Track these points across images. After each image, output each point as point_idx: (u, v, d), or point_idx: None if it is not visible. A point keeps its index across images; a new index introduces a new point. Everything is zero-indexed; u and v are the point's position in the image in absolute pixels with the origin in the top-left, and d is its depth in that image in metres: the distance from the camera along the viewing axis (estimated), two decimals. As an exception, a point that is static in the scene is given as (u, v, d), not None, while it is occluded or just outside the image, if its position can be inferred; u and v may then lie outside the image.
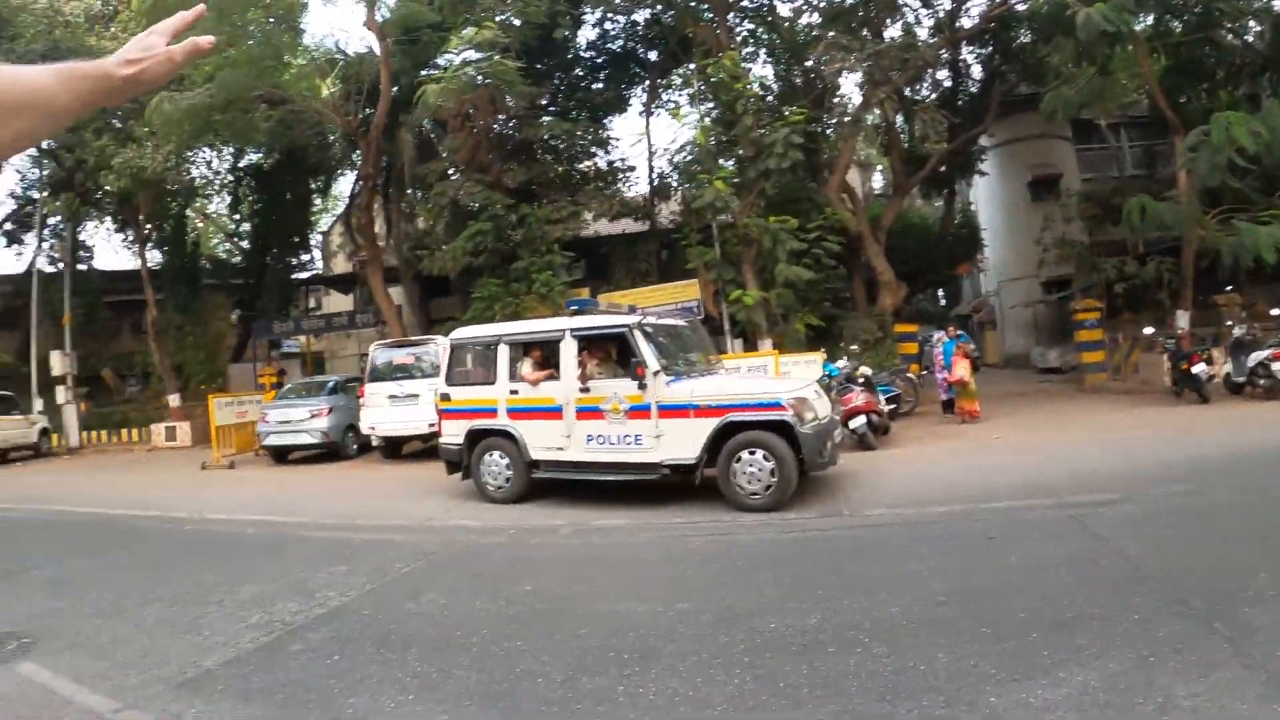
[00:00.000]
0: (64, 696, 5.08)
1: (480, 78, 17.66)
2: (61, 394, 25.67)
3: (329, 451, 17.50)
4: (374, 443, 16.94)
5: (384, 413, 16.12)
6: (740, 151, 18.40)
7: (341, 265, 33.05)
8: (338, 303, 33.86)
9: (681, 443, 9.27)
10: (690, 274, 19.53)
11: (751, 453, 8.88)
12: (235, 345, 30.59)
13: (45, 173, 26.91)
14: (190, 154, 24.44)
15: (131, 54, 1.14)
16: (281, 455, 17.86)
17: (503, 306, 18.39)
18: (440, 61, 19.33)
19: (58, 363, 25.44)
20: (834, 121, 21.66)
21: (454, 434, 11.12)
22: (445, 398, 11.31)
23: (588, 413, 9.92)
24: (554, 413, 10.18)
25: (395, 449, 16.75)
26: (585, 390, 9.88)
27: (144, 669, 5.40)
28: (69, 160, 23.92)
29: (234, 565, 8.19)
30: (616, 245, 25.01)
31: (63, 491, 15.43)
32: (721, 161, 19.34)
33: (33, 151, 27.88)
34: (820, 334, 18.88)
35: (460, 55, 18.95)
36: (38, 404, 25.82)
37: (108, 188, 23.04)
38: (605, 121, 23.80)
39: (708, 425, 9.11)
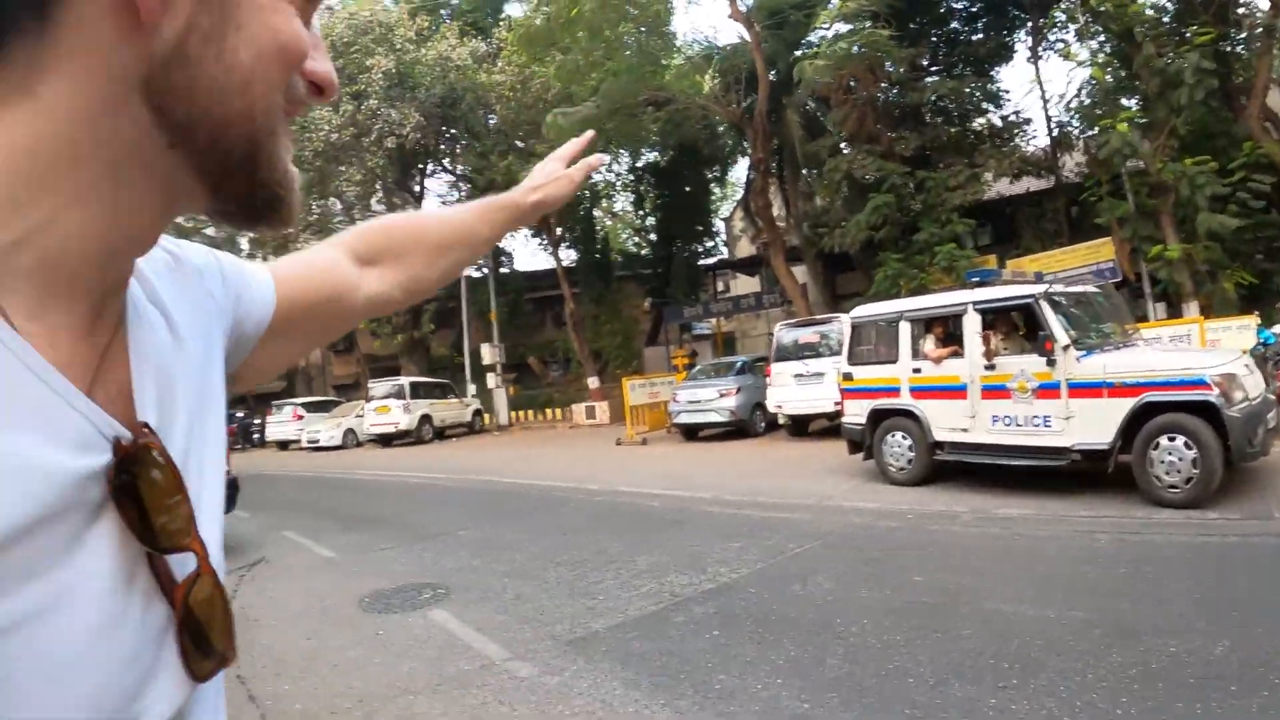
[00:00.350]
0: (464, 642, 5.53)
1: (855, 48, 17.04)
2: (491, 380, 29.52)
3: (737, 429, 17.85)
4: (780, 421, 17.04)
5: (789, 391, 16.07)
6: (1141, 86, 15.78)
7: (745, 249, 33.97)
8: (745, 285, 34.75)
9: (1093, 425, 7.98)
10: (1103, 232, 17.10)
11: (1170, 439, 7.39)
12: (649, 330, 32.79)
13: (461, 194, 30.96)
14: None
15: (536, 180, 1.24)
16: (691, 433, 18.55)
17: (907, 281, 17.51)
18: (812, 39, 18.93)
19: (487, 353, 29.31)
20: (1243, 36, 17.66)
21: (856, 413, 10.71)
22: (848, 377, 10.96)
23: (993, 391, 8.92)
24: (958, 392, 9.30)
25: (801, 427, 16.59)
26: (990, 368, 8.88)
27: (538, 625, 5.69)
28: (481, 181, 27.19)
29: (635, 536, 8.47)
30: (1021, 206, 22.47)
31: (490, 464, 17.38)
32: (1124, 101, 16.86)
33: (448, 177, 32.23)
34: (1254, 293, 15.63)
35: (831, 29, 18.42)
36: (471, 389, 29.96)
37: None
38: (992, 74, 21.57)
39: (1122, 406, 7.73)
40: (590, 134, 1.38)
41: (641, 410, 20.06)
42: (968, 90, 19.54)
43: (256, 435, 31.29)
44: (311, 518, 12.00)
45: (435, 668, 5.15)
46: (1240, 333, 12.35)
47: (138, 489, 0.54)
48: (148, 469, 0.55)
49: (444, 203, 33.50)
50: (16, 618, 0.46)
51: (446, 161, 30.81)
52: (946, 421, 9.47)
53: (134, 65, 0.51)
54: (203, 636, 0.60)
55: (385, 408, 25.41)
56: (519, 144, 24.91)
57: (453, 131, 28.03)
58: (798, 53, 18.69)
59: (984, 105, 21.30)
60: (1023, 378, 8.54)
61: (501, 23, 25.44)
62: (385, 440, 25.61)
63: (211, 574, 0.61)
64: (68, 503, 0.49)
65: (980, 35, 21.32)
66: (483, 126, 26.72)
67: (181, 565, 0.58)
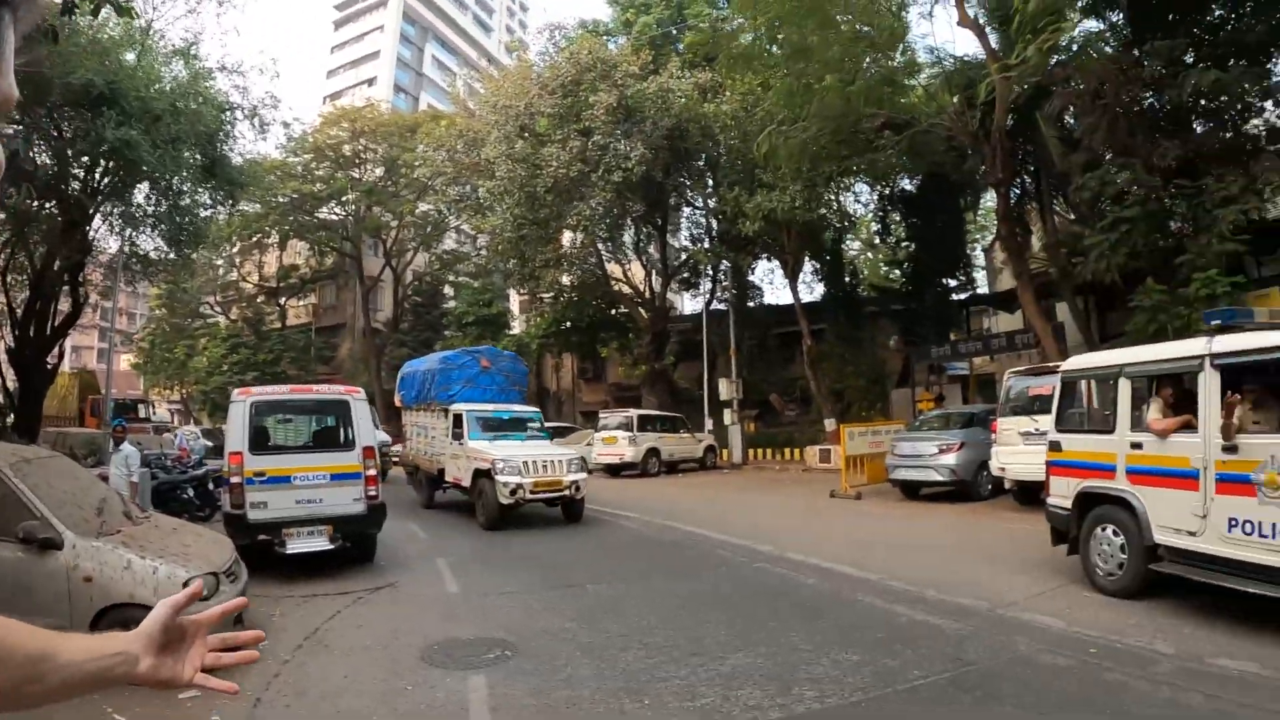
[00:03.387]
0: (468, 716, 5.06)
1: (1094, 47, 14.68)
2: (728, 415, 28.79)
3: (961, 490, 15.68)
4: (1005, 485, 14.62)
5: (1013, 452, 13.78)
6: None
7: (1008, 282, 31.03)
8: (1006, 322, 31.60)
9: None
10: None
11: None
12: (900, 371, 30.66)
13: (704, 228, 30.82)
14: (823, 189, 25.04)
15: (155, 634, 1.15)
16: (913, 490, 16.65)
17: (1170, 319, 14.32)
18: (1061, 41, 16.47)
19: (725, 388, 28.74)
20: None
21: (1062, 494, 8.47)
22: (1055, 446, 8.75)
23: (1233, 483, 6.39)
24: (1187, 480, 6.84)
25: (1030, 493, 14.10)
26: (1231, 448, 6.39)
27: (554, 717, 4.99)
28: (717, 212, 26.80)
29: (754, 622, 7.23)
30: None
31: (687, 507, 16.43)
32: None
33: (690, 210, 32.05)
34: None
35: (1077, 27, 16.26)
36: (708, 424, 29.36)
37: (748, 231, 24.76)
38: (1269, 65, 17.19)
39: None
40: (196, 587, 1.36)
41: (861, 460, 18.38)
42: (1237, 85, 15.55)
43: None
44: (472, 547, 11.99)
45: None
46: None
47: None
48: None
49: (691, 235, 33.43)
50: None
51: (688, 194, 30.66)
52: (1170, 519, 7.04)
53: None
54: None
55: (613, 439, 25.41)
56: (755, 171, 24.18)
57: (693, 163, 27.86)
58: (1054, 59, 16.17)
59: (1259, 104, 17.03)
60: (1275, 468, 6.24)
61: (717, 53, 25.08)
62: (613, 471, 25.56)
63: None
64: None
65: (1250, 18, 16.88)
66: (714, 156, 26.33)
67: None
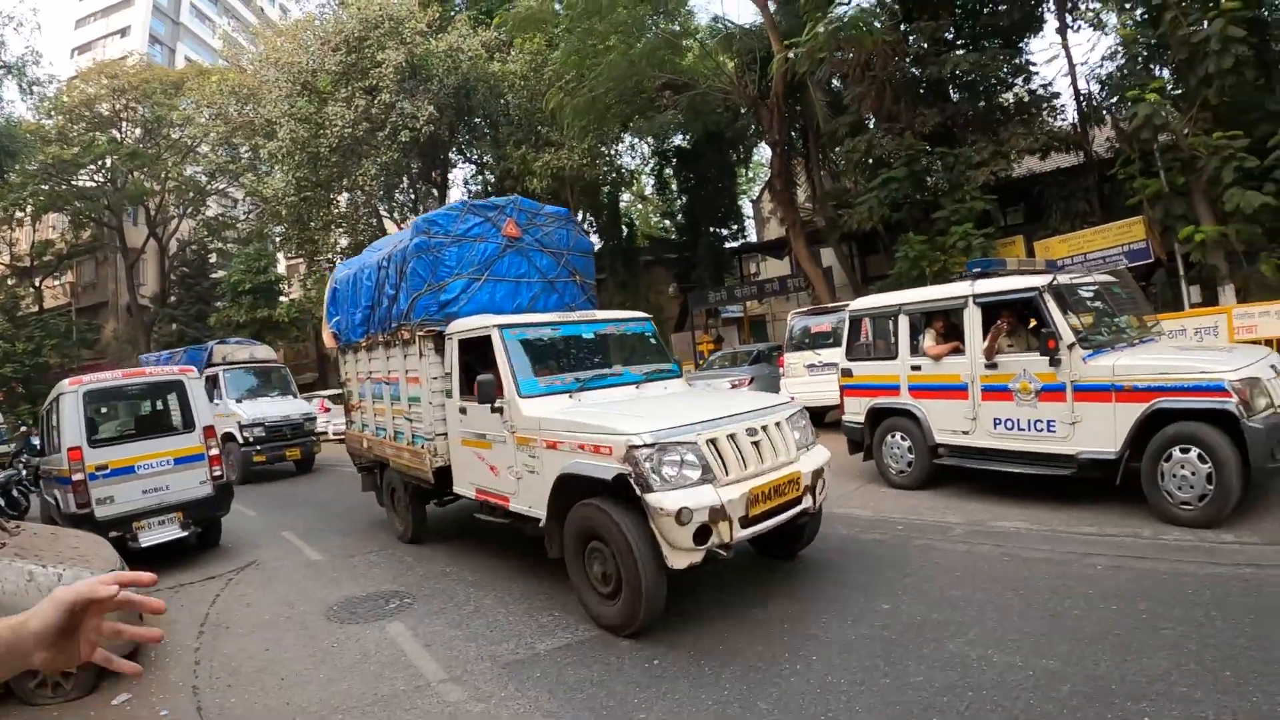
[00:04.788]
0: (408, 659, 5.53)
1: (867, 24, 16.55)
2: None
3: None
4: None
5: (802, 382, 15.49)
6: (1171, 55, 15.02)
7: (775, 231, 33.49)
8: (774, 268, 34.08)
9: (1100, 433, 7.31)
10: (1135, 211, 16.24)
11: (1184, 450, 6.67)
12: (677, 316, 32.43)
13: (482, 186, 31.08)
14: (606, 147, 26.22)
15: (50, 619, 1.08)
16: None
17: (930, 264, 16.73)
18: (833, 14, 18.28)
19: None
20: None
21: (856, 411, 10.18)
22: (847, 373, 10.39)
23: (994, 392, 8.28)
24: (958, 391, 8.67)
25: (815, 420, 15.93)
26: (992, 366, 8.27)
27: (484, 644, 5.65)
28: (498, 170, 27.20)
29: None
30: (1049, 184, 21.53)
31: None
32: (1154, 70, 16.06)
33: (470, 167, 32.31)
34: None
35: (851, 4, 17.98)
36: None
37: (535, 189, 25.50)
38: (1020, 45, 20.44)
39: (1131, 412, 7.03)
40: (150, 576, 1.31)
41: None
42: (993, 63, 18.36)
43: None
44: (313, 517, 12.10)
45: (372, 686, 5.14)
46: (1278, 319, 11.58)
47: None
48: None
49: (467, 192, 33.49)
50: None
51: (467, 151, 30.70)
52: (947, 423, 8.91)
53: None
54: None
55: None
56: (540, 129, 24.74)
57: (475, 121, 27.94)
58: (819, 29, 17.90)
59: (1010, 79, 20.11)
60: (1025, 378, 7.97)
61: (507, 10, 25.34)
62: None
63: None
64: None
65: (1005, 4, 19.98)
66: (501, 116, 26.59)
67: None
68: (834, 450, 11.16)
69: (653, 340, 8.17)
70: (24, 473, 14.76)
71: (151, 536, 9.36)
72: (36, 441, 15.05)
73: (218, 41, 48.64)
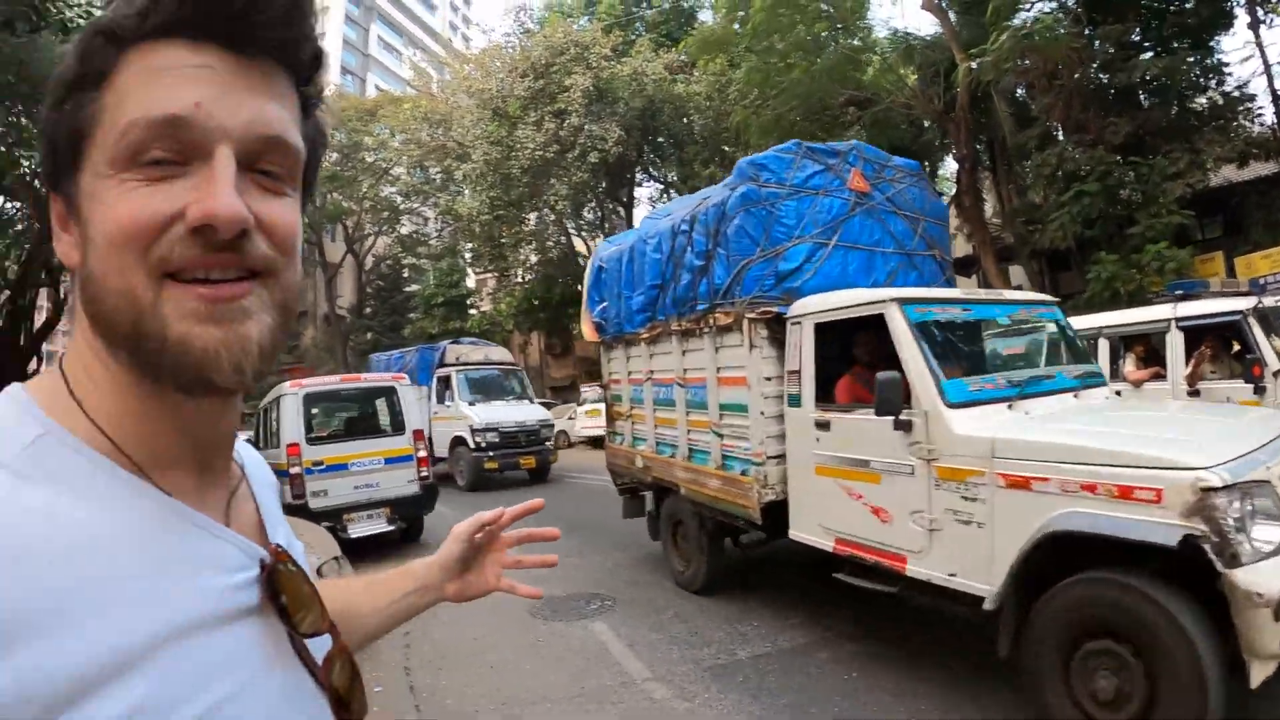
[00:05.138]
0: (613, 657, 5.74)
1: (1052, 30, 15.79)
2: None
3: None
4: None
5: None
6: None
7: (962, 247, 32.37)
8: (963, 285, 32.85)
9: None
10: None
11: None
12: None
13: (669, 200, 31.52)
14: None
15: (453, 553, 1.20)
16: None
17: (1125, 283, 15.68)
18: (1015, 22, 17.56)
19: None
20: None
21: None
22: None
23: None
24: None
25: None
26: (1194, 393, 7.62)
27: (686, 648, 5.76)
28: (685, 189, 27.48)
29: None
30: (1248, 195, 19.26)
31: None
32: None
33: (656, 187, 32.82)
34: None
35: (1032, 10, 17.23)
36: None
37: None
38: (1211, 45, 18.76)
39: None
40: (538, 501, 1.29)
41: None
42: (1183, 66, 17.00)
43: None
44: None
45: (578, 679, 5.37)
46: None
47: (280, 593, 0.71)
48: (285, 578, 0.72)
49: (653, 207, 34.27)
50: (226, 694, 0.61)
51: (653, 170, 31.35)
52: None
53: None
54: (344, 705, 0.77)
55: (596, 411, 26.14)
56: (725, 149, 25.03)
57: (661, 141, 28.53)
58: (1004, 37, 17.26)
59: (1202, 82, 18.51)
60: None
61: (688, 33, 25.80)
62: (597, 443, 26.30)
63: (345, 650, 0.80)
64: (236, 608, 0.66)
65: (1192, 2, 18.42)
66: (686, 136, 27.06)
67: (320, 645, 0.76)
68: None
69: (1068, 332, 5.96)
70: None
71: (360, 529, 10.10)
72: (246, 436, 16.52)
73: (407, 71, 52.03)
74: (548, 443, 17.56)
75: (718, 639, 5.91)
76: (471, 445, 16.30)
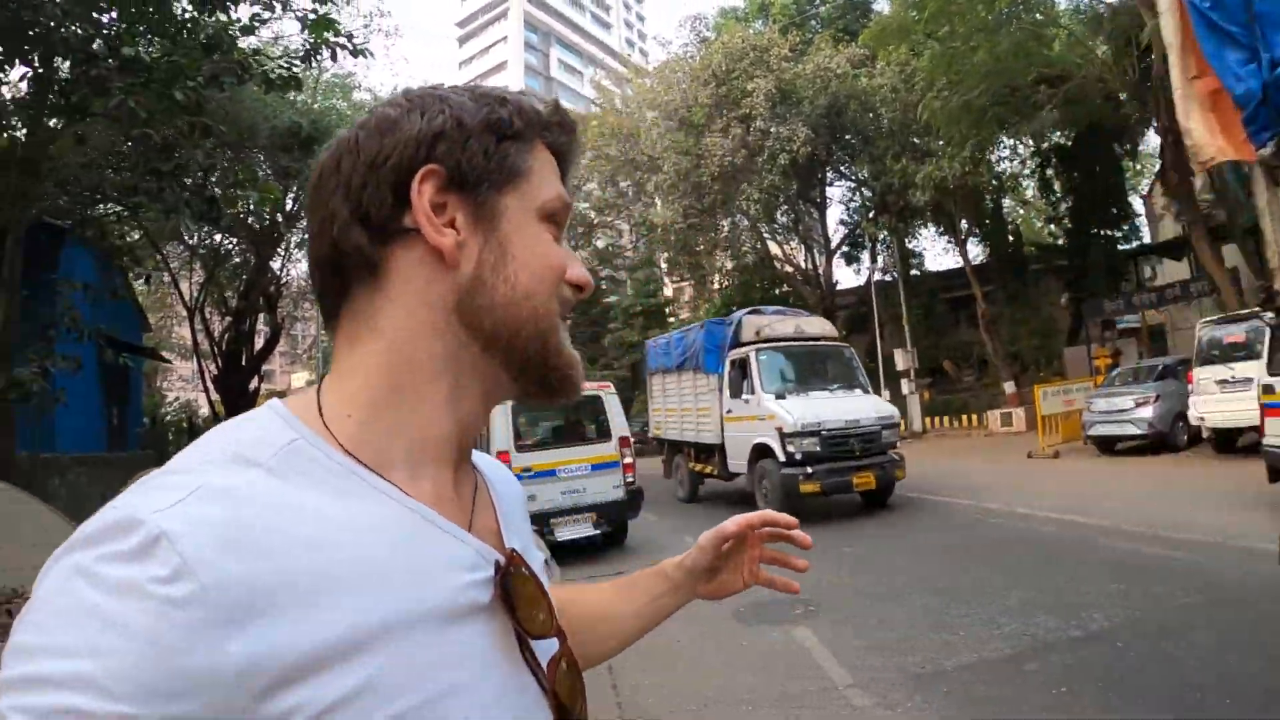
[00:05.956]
0: (815, 661, 5.73)
1: None
2: (905, 386, 28.50)
3: (1157, 443, 15.66)
4: (1203, 434, 14.54)
5: (1213, 401, 13.64)
6: None
7: (1169, 230, 29.72)
8: (1171, 270, 29.96)
9: None
10: None
11: None
12: (1069, 328, 29.97)
13: (861, 203, 30.75)
14: (985, 152, 24.69)
15: (706, 556, 1.16)
16: (1108, 445, 16.63)
17: None
18: None
19: (901, 359, 28.42)
20: None
21: (1277, 433, 8.77)
22: (1269, 390, 9.01)
23: None
24: None
25: (1228, 442, 14.08)
26: None
27: (890, 655, 5.69)
28: (877, 185, 26.81)
29: (1016, 565, 7.91)
30: None
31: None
32: None
33: (848, 185, 32.00)
34: None
35: None
36: (884, 395, 28.75)
37: (917, 202, 24.80)
38: None
39: None
40: (793, 520, 1.17)
41: (1055, 419, 18.49)
42: None
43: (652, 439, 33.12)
44: (710, 523, 12.58)
45: (779, 683, 5.42)
46: None
47: (512, 594, 0.75)
48: (519, 580, 0.77)
49: (847, 209, 33.66)
50: (448, 687, 0.66)
51: (844, 169, 30.82)
52: None
53: (447, 295, 0.74)
54: (565, 709, 0.80)
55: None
56: (915, 141, 24.32)
57: (849, 139, 28.04)
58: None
59: None
60: None
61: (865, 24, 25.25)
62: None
63: (570, 654, 0.83)
64: (467, 605, 0.70)
65: None
66: (874, 130, 26.45)
67: (546, 649, 0.80)
68: (1257, 475, 10.06)
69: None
70: None
71: (566, 532, 10.57)
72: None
73: (589, 89, 53.68)
74: (892, 450, 12.56)
75: (923, 646, 5.80)
76: (782, 457, 11.80)
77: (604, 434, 11.17)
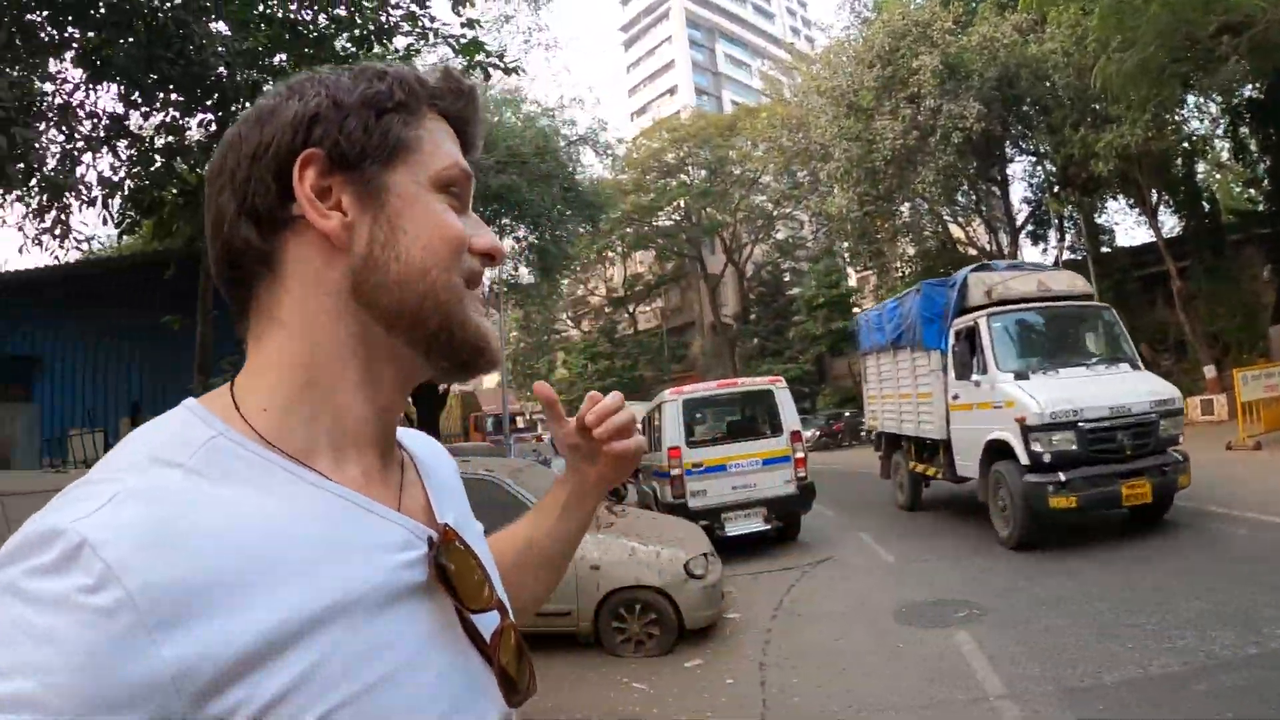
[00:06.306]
0: (970, 669, 5.57)
1: None
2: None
3: None
4: None
5: None
6: None
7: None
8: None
9: None
10: None
11: None
12: (1274, 303, 26.95)
13: (1044, 177, 29.01)
14: (1170, 114, 22.15)
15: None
16: (1321, 433, 14.76)
17: None
18: None
19: None
20: None
21: None
22: None
23: None
24: None
25: None
26: None
27: (1050, 665, 5.46)
28: (1058, 157, 24.99)
29: (1201, 572, 7.22)
30: None
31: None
32: None
33: (1028, 160, 30.04)
34: None
35: None
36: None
37: (1100, 173, 23.12)
38: None
39: None
40: (617, 397, 1.08)
41: (1257, 407, 16.78)
42: None
43: (864, 432, 32.24)
44: (886, 519, 12.59)
45: (929, 689, 5.35)
46: None
47: (447, 571, 0.73)
48: (454, 555, 0.75)
49: (1029, 186, 31.89)
50: (388, 671, 0.65)
51: (1022, 143, 29.27)
52: None
53: (341, 280, 0.73)
54: (511, 682, 0.79)
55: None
56: (1094, 107, 22.69)
57: (1025, 110, 26.62)
58: None
59: None
60: None
61: None
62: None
63: (513, 627, 0.82)
64: (403, 586, 0.70)
65: None
66: (1050, 99, 24.91)
67: (488, 623, 0.78)
68: None
69: None
70: None
71: (736, 528, 10.62)
72: None
73: (757, 81, 53.58)
74: (1174, 447, 9.18)
75: (1086, 658, 5.51)
76: (1024, 458, 8.82)
77: (776, 429, 11.14)
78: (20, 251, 15.46)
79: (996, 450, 9.42)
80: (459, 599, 0.74)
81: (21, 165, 5.98)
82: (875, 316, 14.27)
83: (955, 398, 10.57)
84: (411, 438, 0.92)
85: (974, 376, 9.90)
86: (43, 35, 7.19)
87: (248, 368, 0.75)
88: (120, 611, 0.54)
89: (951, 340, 10.60)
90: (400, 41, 8.97)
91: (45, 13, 7.15)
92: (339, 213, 0.73)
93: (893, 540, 10.77)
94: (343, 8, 8.07)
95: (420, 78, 0.80)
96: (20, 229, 8.77)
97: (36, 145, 6.01)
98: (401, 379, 0.79)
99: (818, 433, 33.13)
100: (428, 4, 8.54)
